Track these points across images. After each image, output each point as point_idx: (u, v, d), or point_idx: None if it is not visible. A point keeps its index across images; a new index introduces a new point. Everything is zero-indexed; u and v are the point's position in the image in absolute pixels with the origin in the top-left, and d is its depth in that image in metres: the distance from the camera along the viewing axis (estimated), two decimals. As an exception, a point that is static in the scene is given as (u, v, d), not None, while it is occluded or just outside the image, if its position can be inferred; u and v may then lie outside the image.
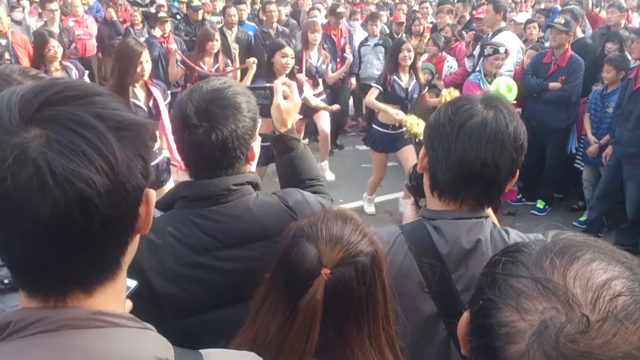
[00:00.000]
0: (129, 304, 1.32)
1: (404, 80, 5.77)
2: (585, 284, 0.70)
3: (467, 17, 9.26)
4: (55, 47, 5.49)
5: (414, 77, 5.86)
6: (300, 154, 1.94)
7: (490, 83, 5.85)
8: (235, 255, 1.60)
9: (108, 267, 0.85)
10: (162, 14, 8.63)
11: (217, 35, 6.60)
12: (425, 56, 7.40)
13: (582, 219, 6.11)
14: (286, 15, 9.86)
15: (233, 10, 8.61)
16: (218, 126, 1.55)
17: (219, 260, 1.59)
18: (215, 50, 6.55)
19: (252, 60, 5.87)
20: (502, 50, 5.92)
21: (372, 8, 10.70)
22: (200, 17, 8.92)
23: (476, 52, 6.91)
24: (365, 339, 1.26)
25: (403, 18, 9.47)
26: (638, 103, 4.97)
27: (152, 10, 9.95)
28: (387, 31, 9.18)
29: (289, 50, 5.26)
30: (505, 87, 5.74)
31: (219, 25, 8.83)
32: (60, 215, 0.75)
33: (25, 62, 6.38)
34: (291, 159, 1.93)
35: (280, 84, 1.93)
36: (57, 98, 0.79)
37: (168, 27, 7.88)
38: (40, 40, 5.59)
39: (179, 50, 6.88)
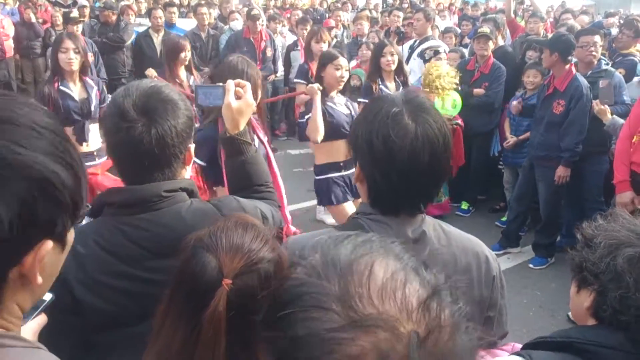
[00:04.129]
0: (43, 318, 1.26)
1: (391, 87, 5.31)
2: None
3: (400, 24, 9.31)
4: None
5: (401, 83, 5.39)
6: (251, 158, 1.90)
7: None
8: (165, 265, 1.49)
9: None
10: (74, 14, 8.34)
11: (188, 45, 5.58)
12: (354, 62, 7.44)
13: (504, 219, 6.33)
14: (215, 19, 9.76)
15: (159, 13, 8.43)
16: (158, 120, 1.52)
17: (148, 271, 1.52)
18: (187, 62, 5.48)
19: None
20: (441, 50, 5.94)
21: (300, 13, 10.72)
22: (114, 19, 8.67)
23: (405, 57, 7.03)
24: None
25: (332, 23, 9.55)
26: (549, 109, 5.13)
27: (75, 11, 9.57)
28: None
29: (342, 61, 4.32)
30: (451, 102, 5.86)
31: (145, 28, 8.64)
32: None
33: None
34: (241, 163, 1.89)
35: (232, 83, 1.87)
36: None
37: (80, 28, 7.58)
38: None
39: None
